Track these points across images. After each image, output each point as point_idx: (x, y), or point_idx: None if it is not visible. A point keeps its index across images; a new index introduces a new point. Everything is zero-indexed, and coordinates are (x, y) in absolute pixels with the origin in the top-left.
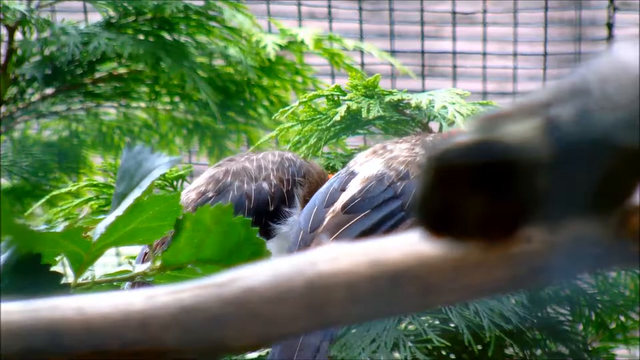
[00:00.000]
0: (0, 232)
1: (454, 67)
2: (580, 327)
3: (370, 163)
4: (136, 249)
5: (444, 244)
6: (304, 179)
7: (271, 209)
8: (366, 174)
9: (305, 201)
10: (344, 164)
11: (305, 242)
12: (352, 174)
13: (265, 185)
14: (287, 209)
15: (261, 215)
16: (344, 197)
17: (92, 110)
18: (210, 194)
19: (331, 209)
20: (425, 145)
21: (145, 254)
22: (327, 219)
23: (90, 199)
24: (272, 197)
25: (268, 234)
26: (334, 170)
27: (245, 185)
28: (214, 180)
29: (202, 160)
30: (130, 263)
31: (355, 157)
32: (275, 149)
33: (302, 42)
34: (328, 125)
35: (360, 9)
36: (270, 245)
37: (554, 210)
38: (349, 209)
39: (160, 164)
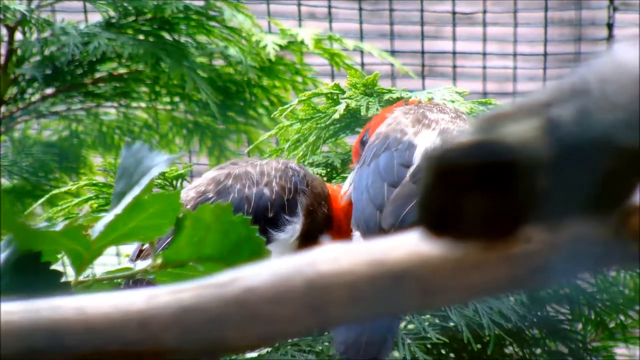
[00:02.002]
0: (0, 230)
1: (454, 67)
2: (580, 326)
3: (425, 135)
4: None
5: (444, 244)
6: (307, 189)
7: (270, 215)
8: (427, 146)
9: (308, 210)
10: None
11: (383, 225)
12: (412, 147)
13: (266, 191)
14: (287, 217)
15: (260, 221)
16: (412, 167)
17: (92, 110)
18: (210, 195)
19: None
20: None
21: (141, 250)
22: (395, 190)
23: (90, 199)
24: (272, 203)
25: (266, 240)
26: (332, 167)
27: (246, 190)
28: (215, 181)
29: (202, 160)
30: (132, 261)
31: (394, 125)
32: (275, 157)
33: (302, 42)
34: (327, 123)
35: (360, 9)
36: None
37: (554, 210)
38: (418, 179)
39: (160, 162)
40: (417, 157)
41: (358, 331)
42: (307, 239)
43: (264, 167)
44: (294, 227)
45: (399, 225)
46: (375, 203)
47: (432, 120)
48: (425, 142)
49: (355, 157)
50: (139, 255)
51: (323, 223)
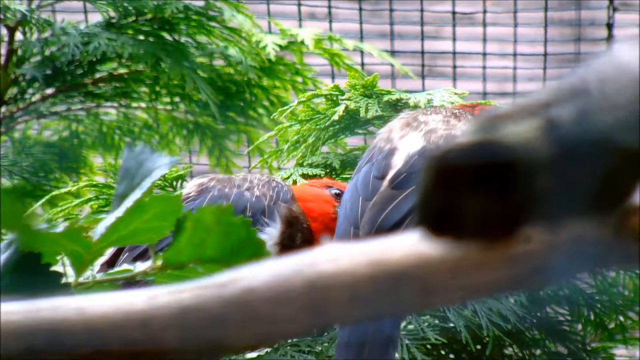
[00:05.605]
0: (0, 230)
1: (454, 67)
2: (579, 327)
3: (410, 137)
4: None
5: (444, 244)
6: (287, 204)
7: (248, 214)
8: (409, 150)
9: (287, 221)
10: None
11: (361, 234)
12: (390, 155)
13: (247, 193)
14: (266, 219)
15: None
16: (390, 173)
17: (92, 110)
18: (192, 194)
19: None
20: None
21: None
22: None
23: (90, 199)
24: (252, 205)
25: None
26: (331, 168)
27: (227, 190)
28: (197, 184)
29: (202, 160)
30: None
31: (385, 133)
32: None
33: (302, 42)
34: (326, 124)
35: (360, 9)
36: None
37: (554, 210)
38: (397, 184)
39: (161, 165)
40: (397, 162)
41: (361, 334)
42: (287, 250)
43: (248, 176)
44: (272, 232)
45: (376, 232)
46: (349, 219)
47: (422, 122)
48: (408, 145)
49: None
50: (135, 256)
51: (304, 237)
